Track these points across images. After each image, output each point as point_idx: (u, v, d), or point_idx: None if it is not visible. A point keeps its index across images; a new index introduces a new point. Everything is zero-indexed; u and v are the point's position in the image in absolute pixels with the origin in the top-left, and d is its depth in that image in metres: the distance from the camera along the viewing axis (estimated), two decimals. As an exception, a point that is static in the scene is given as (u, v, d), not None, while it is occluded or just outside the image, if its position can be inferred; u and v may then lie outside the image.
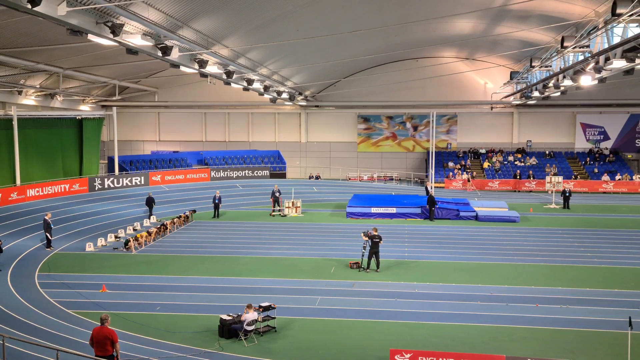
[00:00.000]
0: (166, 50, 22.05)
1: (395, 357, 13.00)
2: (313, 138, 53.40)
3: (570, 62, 30.33)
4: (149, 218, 32.60)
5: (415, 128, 52.47)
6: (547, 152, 50.34)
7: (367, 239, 21.78)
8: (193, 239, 28.00)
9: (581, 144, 51.12)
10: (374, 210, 34.08)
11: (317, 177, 50.09)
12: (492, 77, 50.19)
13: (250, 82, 33.65)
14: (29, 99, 39.76)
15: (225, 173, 44.29)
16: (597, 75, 28.31)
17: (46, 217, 25.61)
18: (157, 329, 15.65)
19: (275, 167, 47.27)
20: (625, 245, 26.74)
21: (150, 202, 33.43)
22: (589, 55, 26.15)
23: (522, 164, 49.15)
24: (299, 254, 24.67)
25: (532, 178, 46.16)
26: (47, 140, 36.53)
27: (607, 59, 25.08)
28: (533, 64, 32.03)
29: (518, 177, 46.33)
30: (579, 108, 50.31)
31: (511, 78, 43.14)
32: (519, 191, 45.64)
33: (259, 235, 28.77)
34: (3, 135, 32.80)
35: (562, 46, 24.44)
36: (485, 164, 49.57)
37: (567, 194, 37.48)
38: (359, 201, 36.16)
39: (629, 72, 26.39)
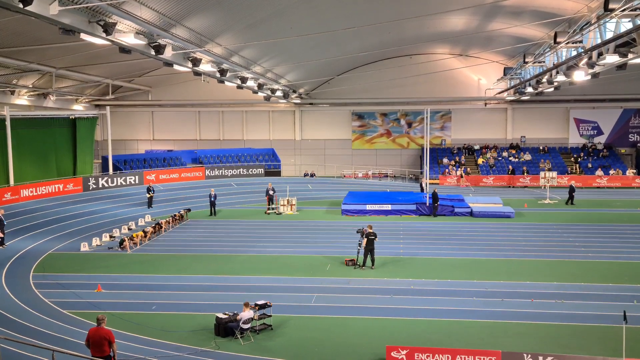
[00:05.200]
0: (159, 49, 21.96)
1: (392, 354, 13.03)
2: (307, 136, 53.36)
3: (564, 58, 30.39)
4: (149, 207, 34.40)
5: (409, 125, 52.51)
6: (541, 148, 50.48)
7: (365, 241, 21.68)
8: (188, 238, 27.95)
9: (575, 139, 51.28)
10: (368, 207, 34.10)
11: (312, 175, 50.08)
12: (485, 73, 50.27)
13: (244, 80, 33.58)
14: (22, 99, 39.56)
15: (220, 171, 44.23)
16: (590, 71, 28.42)
17: None
18: (153, 329, 15.61)
19: (270, 165, 47.21)
20: (619, 239, 26.85)
21: (149, 190, 34.95)
22: (582, 50, 26.20)
23: (517, 159, 49.28)
24: (295, 252, 24.68)
25: (526, 174, 46.30)
26: (41, 140, 36.37)
27: (600, 54, 25.14)
28: (526, 60, 32.06)
29: (512, 172, 46.44)
30: (572, 103, 50.44)
31: (505, 74, 43.26)
32: (513, 187, 45.76)
33: (254, 234, 28.75)
34: (-4, 136, 32.67)
35: (555, 42, 24.47)
36: (480, 160, 49.69)
37: (572, 190, 37.28)
38: (353, 198, 36.19)
39: (621, 67, 26.48)
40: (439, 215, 33.18)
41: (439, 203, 33.31)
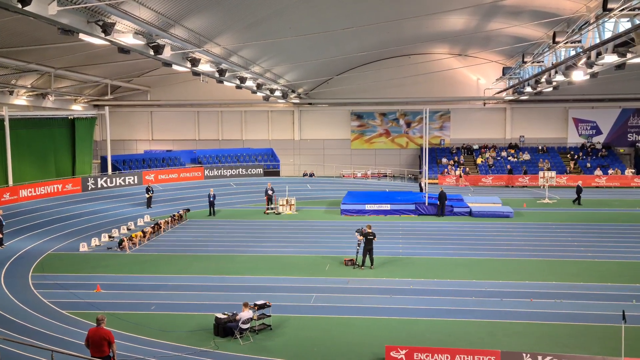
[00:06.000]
0: (158, 49, 21.94)
1: (391, 354, 13.03)
2: (306, 136, 53.36)
3: (562, 58, 30.42)
4: (149, 207, 34.47)
5: (408, 124, 52.53)
6: (539, 148, 50.52)
7: (361, 238, 21.73)
8: (187, 238, 27.94)
9: (574, 139, 51.33)
10: (368, 207, 34.10)
11: (311, 175, 50.08)
12: (484, 73, 50.30)
13: (243, 80, 33.57)
14: (21, 99, 39.52)
15: (219, 171, 44.23)
16: (589, 70, 28.42)
17: None
18: (152, 329, 15.61)
19: (269, 165, 47.21)
20: (618, 239, 26.86)
21: (148, 190, 35.13)
22: (581, 50, 26.22)
23: (515, 159, 49.32)
24: (294, 252, 24.68)
25: (525, 173, 46.33)
26: (40, 141, 36.36)
27: (598, 54, 25.17)
28: (525, 60, 32.09)
29: (511, 172, 46.44)
30: (571, 103, 50.49)
31: (503, 74, 43.29)
32: (512, 186, 45.80)
33: (253, 234, 28.74)
34: (-5, 136, 32.64)
35: (554, 41, 24.50)
36: (479, 160, 49.71)
37: (579, 191, 36.98)
38: (353, 198, 36.20)
39: (620, 66, 26.50)
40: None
41: (446, 203, 33.22)
